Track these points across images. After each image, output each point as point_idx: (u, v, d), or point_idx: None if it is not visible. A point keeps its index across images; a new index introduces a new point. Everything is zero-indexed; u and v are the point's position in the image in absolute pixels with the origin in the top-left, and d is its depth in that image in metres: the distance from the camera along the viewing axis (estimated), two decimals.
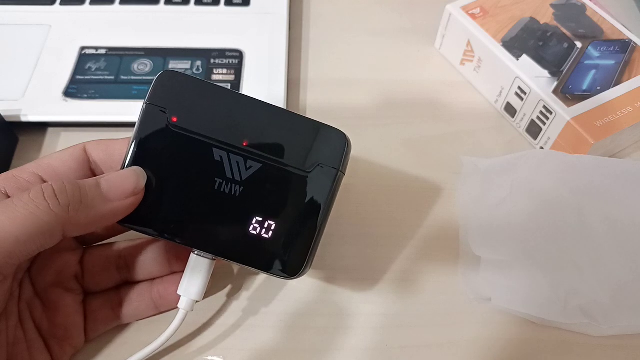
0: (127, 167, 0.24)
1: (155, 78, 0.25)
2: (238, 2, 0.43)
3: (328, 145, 0.25)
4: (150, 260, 0.28)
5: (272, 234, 0.24)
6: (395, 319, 0.29)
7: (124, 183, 0.23)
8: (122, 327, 0.28)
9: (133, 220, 0.24)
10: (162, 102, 0.24)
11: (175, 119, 0.24)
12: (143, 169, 0.24)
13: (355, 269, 0.31)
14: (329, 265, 0.31)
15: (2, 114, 0.34)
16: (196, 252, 0.26)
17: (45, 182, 0.24)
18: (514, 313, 0.29)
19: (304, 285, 0.30)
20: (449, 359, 0.28)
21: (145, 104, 0.24)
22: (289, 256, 0.25)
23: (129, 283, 0.28)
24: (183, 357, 0.28)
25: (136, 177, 0.23)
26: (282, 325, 0.29)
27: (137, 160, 0.24)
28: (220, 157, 0.24)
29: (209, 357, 0.28)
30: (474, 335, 0.29)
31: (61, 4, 0.42)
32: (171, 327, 0.25)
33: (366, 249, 0.32)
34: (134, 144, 0.24)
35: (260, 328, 0.29)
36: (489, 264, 0.30)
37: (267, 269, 0.25)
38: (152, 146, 0.24)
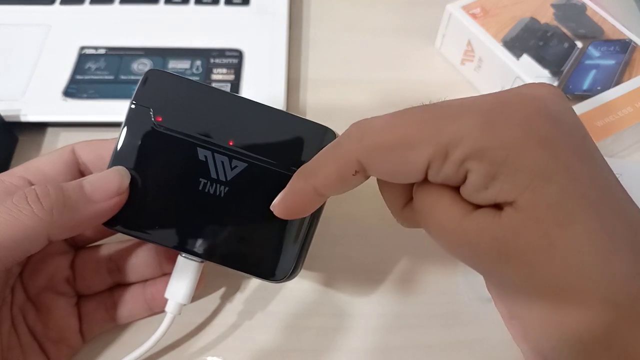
0: (110, 167, 0.24)
1: (141, 77, 0.24)
2: (238, 1, 0.43)
3: (316, 143, 0.24)
4: (141, 262, 0.28)
5: (259, 235, 0.24)
6: (395, 319, 0.29)
7: (107, 183, 0.23)
8: (120, 327, 0.28)
9: (118, 221, 0.24)
10: (147, 101, 0.24)
11: (160, 119, 0.24)
12: (127, 169, 0.24)
13: (355, 269, 0.31)
14: (328, 265, 0.31)
15: (2, 114, 0.34)
16: (183, 255, 0.25)
17: (33, 185, 0.24)
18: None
19: (304, 285, 0.30)
20: (450, 359, 0.28)
21: (131, 104, 0.24)
22: (277, 259, 0.24)
23: (122, 285, 0.28)
24: (183, 358, 0.28)
25: (120, 177, 0.23)
26: (282, 325, 0.29)
27: (121, 160, 0.24)
28: (205, 156, 0.24)
29: (209, 358, 0.28)
30: (474, 335, 0.29)
31: (61, 3, 0.42)
32: (158, 332, 0.25)
33: (366, 249, 0.32)
34: (118, 144, 0.24)
35: (260, 328, 0.29)
36: None
37: (254, 272, 0.24)
38: (136, 146, 0.24)
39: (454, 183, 0.19)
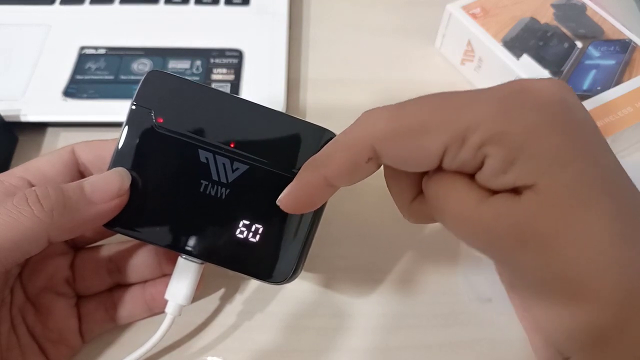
0: (111, 168, 0.24)
1: (142, 78, 0.24)
2: (238, 1, 0.43)
3: (317, 146, 0.24)
4: (141, 263, 0.27)
5: (260, 238, 0.24)
6: (395, 319, 0.29)
7: (108, 185, 0.23)
8: (120, 327, 0.28)
9: (119, 223, 0.24)
10: (148, 102, 0.24)
11: (161, 120, 0.24)
12: (128, 170, 0.24)
13: (355, 269, 0.31)
14: (328, 265, 0.31)
15: (2, 114, 0.34)
16: (184, 256, 0.25)
17: (33, 186, 0.23)
18: (514, 313, 0.29)
19: (304, 285, 0.30)
20: (450, 359, 0.28)
21: (131, 105, 0.24)
22: (278, 261, 0.24)
23: (122, 285, 0.28)
24: (182, 358, 0.28)
25: (120, 179, 0.23)
26: (281, 325, 0.29)
27: (122, 161, 0.24)
28: (206, 158, 0.24)
29: (209, 358, 0.28)
30: (474, 335, 0.29)
31: (61, 3, 0.42)
32: (158, 333, 0.25)
33: (366, 249, 0.32)
34: (119, 145, 0.24)
35: (259, 329, 0.29)
36: (489, 263, 0.30)
37: (254, 274, 0.24)
38: (137, 148, 0.24)
39: (469, 169, 0.19)
